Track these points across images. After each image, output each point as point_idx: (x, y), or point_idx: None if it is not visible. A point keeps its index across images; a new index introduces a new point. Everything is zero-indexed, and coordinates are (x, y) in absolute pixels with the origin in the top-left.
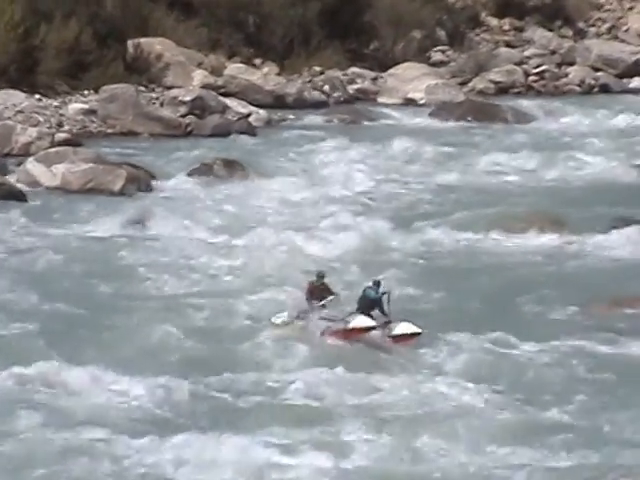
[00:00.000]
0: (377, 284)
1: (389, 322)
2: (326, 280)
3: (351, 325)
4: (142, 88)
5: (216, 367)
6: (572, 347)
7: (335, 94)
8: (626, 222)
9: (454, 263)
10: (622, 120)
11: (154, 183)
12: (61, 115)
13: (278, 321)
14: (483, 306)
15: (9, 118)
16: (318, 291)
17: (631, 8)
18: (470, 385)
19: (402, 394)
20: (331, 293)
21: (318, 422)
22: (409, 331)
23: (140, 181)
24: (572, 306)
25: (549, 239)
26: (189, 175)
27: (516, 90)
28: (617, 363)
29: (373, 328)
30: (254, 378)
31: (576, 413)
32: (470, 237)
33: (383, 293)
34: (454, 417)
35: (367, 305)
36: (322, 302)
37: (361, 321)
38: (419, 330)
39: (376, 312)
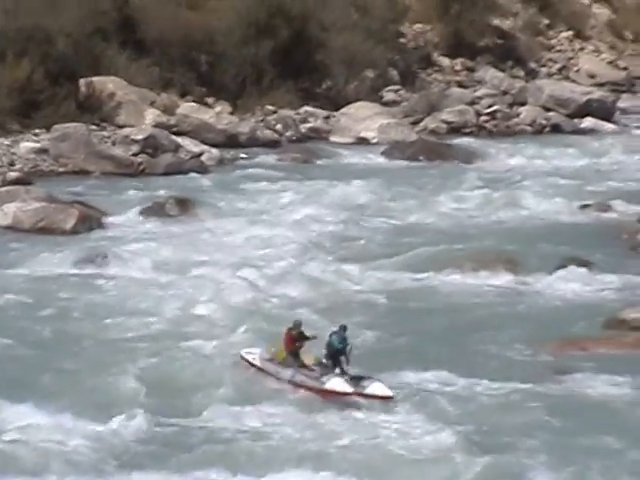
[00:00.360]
0: (343, 328)
1: (361, 378)
2: (303, 328)
3: (327, 386)
4: (94, 127)
5: (165, 410)
6: (524, 388)
7: (288, 133)
8: (574, 262)
9: (407, 303)
10: (571, 161)
11: (106, 222)
12: (12, 154)
13: (249, 356)
14: (436, 346)
15: None
16: (296, 339)
17: (582, 49)
18: (423, 425)
19: (354, 435)
20: (307, 338)
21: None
22: (381, 393)
23: (92, 220)
24: (523, 346)
25: (501, 279)
26: (141, 214)
27: (468, 130)
28: (567, 403)
29: (348, 394)
30: (207, 418)
31: (527, 453)
32: (423, 277)
33: (346, 345)
34: (405, 459)
35: (333, 352)
36: (300, 347)
37: (337, 384)
38: (391, 394)
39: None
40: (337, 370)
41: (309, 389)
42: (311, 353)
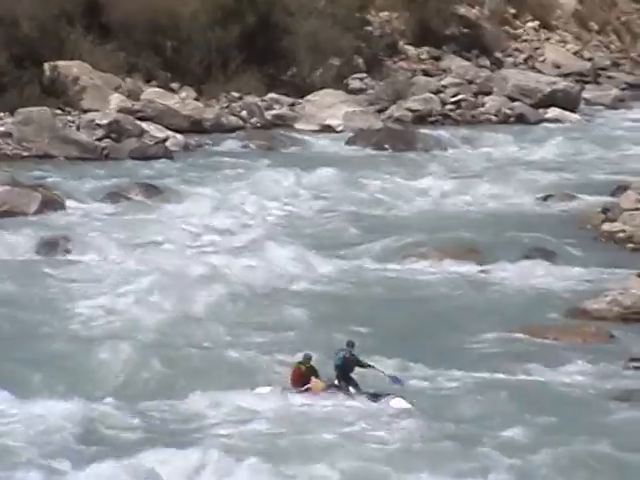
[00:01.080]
0: (351, 345)
1: (378, 395)
2: (313, 363)
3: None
4: (58, 111)
5: (133, 395)
6: (486, 377)
7: (253, 120)
8: (537, 252)
9: (369, 293)
10: (535, 151)
11: (70, 206)
12: None
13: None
14: (399, 336)
15: None
16: (304, 376)
17: (548, 39)
18: (387, 416)
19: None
20: (318, 377)
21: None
22: (402, 406)
23: (55, 204)
24: (486, 336)
25: (464, 268)
26: (105, 198)
27: (433, 118)
28: (529, 392)
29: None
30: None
31: (492, 440)
32: (386, 266)
33: (344, 356)
34: (372, 446)
35: (342, 370)
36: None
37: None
38: (409, 406)
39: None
40: (351, 389)
41: None
42: (319, 382)
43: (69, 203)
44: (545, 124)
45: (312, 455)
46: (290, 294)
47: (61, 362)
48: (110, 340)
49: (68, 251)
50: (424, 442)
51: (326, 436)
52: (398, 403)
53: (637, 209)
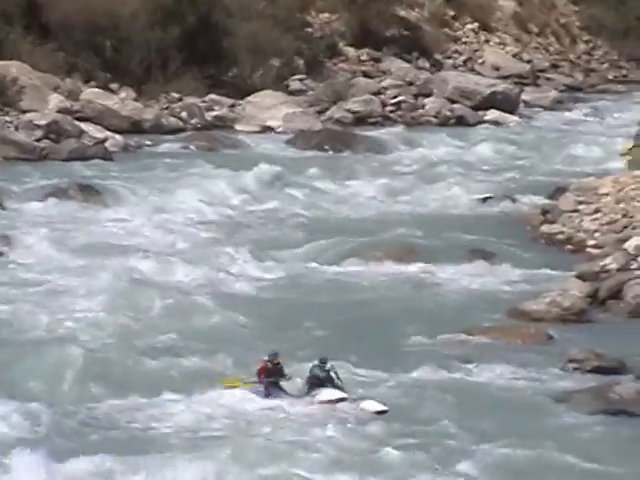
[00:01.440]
0: (323, 361)
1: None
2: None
3: (319, 398)
4: None
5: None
6: (426, 378)
7: (193, 121)
8: (477, 253)
9: (312, 295)
10: (475, 152)
11: (7, 207)
12: None
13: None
14: (339, 339)
15: None
16: (271, 371)
17: (487, 41)
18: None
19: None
20: (283, 375)
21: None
22: (376, 409)
23: None
24: (426, 336)
25: (405, 269)
26: (43, 199)
27: (373, 120)
28: (470, 392)
29: (344, 399)
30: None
31: (430, 443)
32: (328, 268)
33: (328, 370)
34: (316, 448)
35: (317, 384)
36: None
37: (329, 394)
38: (385, 408)
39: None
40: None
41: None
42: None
43: (7, 203)
44: (485, 126)
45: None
46: (231, 298)
47: None
48: (46, 343)
49: (5, 250)
50: (362, 446)
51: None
52: (372, 405)
53: (576, 211)
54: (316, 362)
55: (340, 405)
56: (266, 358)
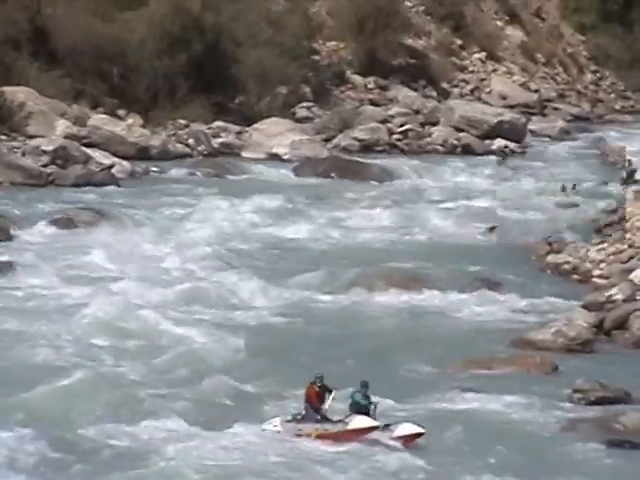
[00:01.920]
0: (365, 385)
1: (387, 425)
2: (325, 382)
3: (351, 426)
4: (3, 137)
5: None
6: (431, 408)
7: (199, 148)
8: (483, 283)
9: (317, 323)
10: (481, 182)
11: (14, 233)
12: None
13: (269, 426)
14: (343, 367)
15: None
16: (318, 394)
17: (494, 70)
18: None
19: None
20: (331, 391)
21: None
22: (413, 432)
23: (0, 230)
24: (431, 366)
25: (410, 298)
26: (50, 224)
27: (380, 148)
28: (476, 422)
29: (376, 428)
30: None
31: (437, 472)
32: (333, 297)
33: (370, 403)
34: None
35: (357, 410)
36: (324, 404)
37: (362, 421)
38: (422, 430)
39: None
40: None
41: (334, 436)
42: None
43: (14, 229)
44: (491, 154)
45: None
46: (236, 325)
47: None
48: (52, 367)
49: (12, 276)
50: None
51: None
52: (408, 428)
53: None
54: (358, 388)
55: (371, 434)
56: (312, 381)
